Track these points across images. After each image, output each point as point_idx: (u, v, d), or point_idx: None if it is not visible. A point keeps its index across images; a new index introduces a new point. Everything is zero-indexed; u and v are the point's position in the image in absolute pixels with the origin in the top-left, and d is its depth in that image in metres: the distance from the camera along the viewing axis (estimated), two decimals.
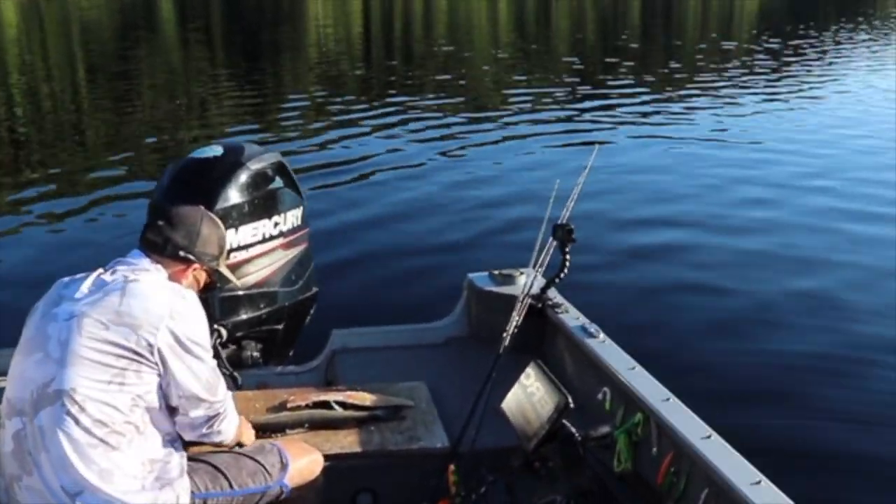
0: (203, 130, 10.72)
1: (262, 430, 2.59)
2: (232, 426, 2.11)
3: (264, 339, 3.34)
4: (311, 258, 3.52)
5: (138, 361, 1.87)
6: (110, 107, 12.88)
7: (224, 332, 3.13)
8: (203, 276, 2.18)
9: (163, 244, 2.06)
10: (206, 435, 2.04)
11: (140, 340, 1.87)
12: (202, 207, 2.18)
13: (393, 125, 10.75)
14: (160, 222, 2.07)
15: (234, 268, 3.01)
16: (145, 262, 2.02)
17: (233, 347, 3.24)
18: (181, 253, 2.07)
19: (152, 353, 1.88)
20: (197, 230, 2.11)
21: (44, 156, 9.71)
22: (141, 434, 1.91)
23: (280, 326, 3.37)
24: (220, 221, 2.22)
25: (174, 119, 11.71)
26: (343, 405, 2.74)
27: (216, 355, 3.03)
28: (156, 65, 16.87)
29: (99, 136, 10.98)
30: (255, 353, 3.29)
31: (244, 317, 3.22)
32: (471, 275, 3.52)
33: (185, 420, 1.99)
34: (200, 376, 1.96)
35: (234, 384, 3.09)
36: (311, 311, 3.57)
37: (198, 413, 1.98)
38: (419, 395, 2.86)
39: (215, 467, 2.09)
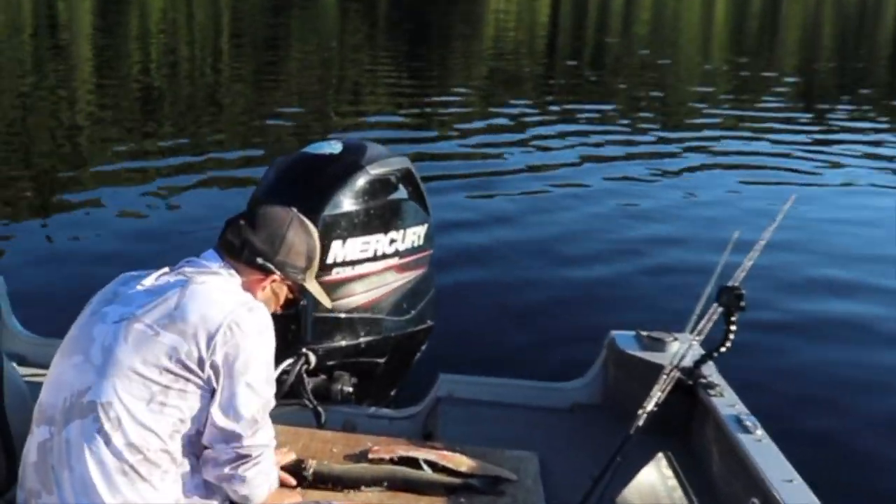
0: (344, 119, 10.99)
1: (332, 482, 2.59)
2: (263, 479, 2.04)
3: (361, 372, 3.37)
4: (432, 285, 3.56)
5: (185, 378, 1.86)
6: (251, 78, 13.45)
7: (313, 358, 3.18)
8: (284, 291, 2.17)
9: (240, 247, 2.05)
10: (229, 478, 1.97)
11: (191, 351, 1.86)
12: (294, 210, 2.16)
13: (563, 136, 10.63)
14: (242, 221, 2.08)
15: (334, 285, 3.11)
16: (217, 266, 2.02)
17: (322, 378, 3.28)
18: (259, 260, 2.07)
19: (203, 369, 1.87)
20: (282, 235, 2.09)
21: (172, 123, 10.33)
22: (178, 467, 1.91)
23: (381, 360, 3.42)
24: (313, 228, 2.19)
25: (317, 100, 12.09)
26: (434, 466, 2.71)
27: (298, 382, 3.16)
28: (307, 37, 17.34)
29: (234, 110, 11.45)
30: (348, 388, 3.31)
31: (341, 343, 3.26)
32: (614, 332, 3.50)
33: (210, 454, 1.95)
34: (246, 408, 1.91)
35: (315, 420, 3.14)
36: (422, 348, 3.62)
37: (226, 449, 1.95)
38: (526, 469, 2.79)
39: None
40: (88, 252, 5.85)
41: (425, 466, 2.72)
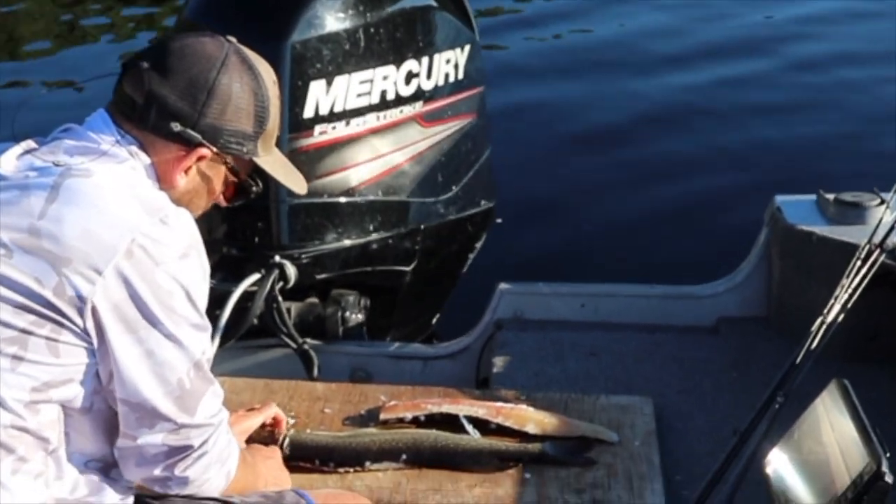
0: None
1: (320, 458, 2.55)
2: (215, 474, 2.03)
3: (375, 289, 3.40)
4: (484, 147, 3.59)
5: (55, 322, 1.80)
6: None
7: (292, 272, 3.15)
8: (221, 174, 2.00)
9: (144, 106, 1.93)
10: (162, 482, 1.96)
11: (63, 287, 1.79)
12: (231, 40, 2.01)
13: None
14: (146, 64, 1.92)
15: (317, 154, 3.11)
16: (110, 139, 1.93)
17: (311, 301, 3.29)
18: (174, 126, 1.93)
19: (82, 315, 1.80)
20: (210, 82, 1.94)
21: None
22: (51, 456, 1.87)
23: (407, 268, 3.44)
24: (265, 68, 2.06)
25: None
26: (484, 426, 2.67)
27: (271, 310, 3.21)
28: None
29: None
30: (355, 315, 3.32)
31: (337, 245, 3.26)
32: (780, 198, 3.47)
33: (129, 446, 1.91)
34: (168, 373, 1.87)
35: (304, 367, 3.15)
36: (474, 247, 3.69)
37: (152, 439, 1.90)
38: (634, 424, 2.77)
39: None
40: None
41: (470, 428, 2.67)
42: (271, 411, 2.55)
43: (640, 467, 2.60)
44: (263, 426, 2.52)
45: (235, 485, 2.08)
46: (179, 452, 1.93)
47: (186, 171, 1.98)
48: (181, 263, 1.85)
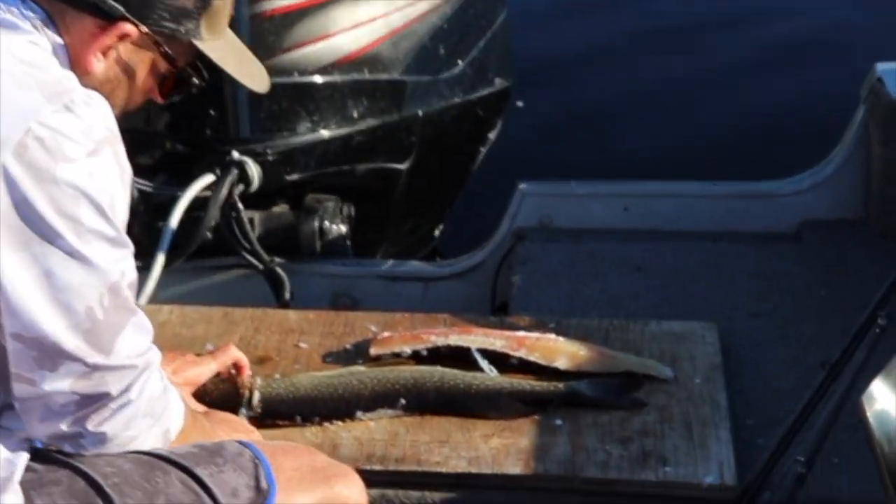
0: None
1: (295, 409, 2.56)
2: (144, 432, 2.02)
3: (362, 193, 3.48)
4: (501, 6, 3.68)
5: None
6: None
7: (255, 171, 3.22)
8: (150, 60, 2.03)
9: None
10: (73, 438, 1.96)
11: None
12: None
13: None
14: None
15: (282, 24, 3.16)
16: (6, 7, 1.93)
17: (280, 210, 3.39)
18: None
19: None
20: None
21: None
22: None
23: (402, 166, 3.49)
24: None
25: None
26: (503, 360, 2.68)
27: (229, 220, 3.22)
28: None
29: None
30: (338, 227, 3.38)
31: (312, 138, 3.32)
32: (883, 66, 3.49)
33: (29, 394, 1.90)
34: (74, 300, 1.85)
35: (275, 293, 3.20)
36: (487, 138, 3.72)
37: (57, 385, 1.89)
38: (693, 355, 2.80)
39: (92, 482, 1.98)
40: None
41: (485, 364, 2.66)
42: (228, 356, 2.54)
43: (702, 410, 2.59)
44: (221, 377, 2.52)
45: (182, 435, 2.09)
46: (93, 402, 1.91)
47: (105, 54, 1.96)
48: (90, 162, 1.82)
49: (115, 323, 1.90)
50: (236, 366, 2.56)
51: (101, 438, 1.96)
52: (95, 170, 1.83)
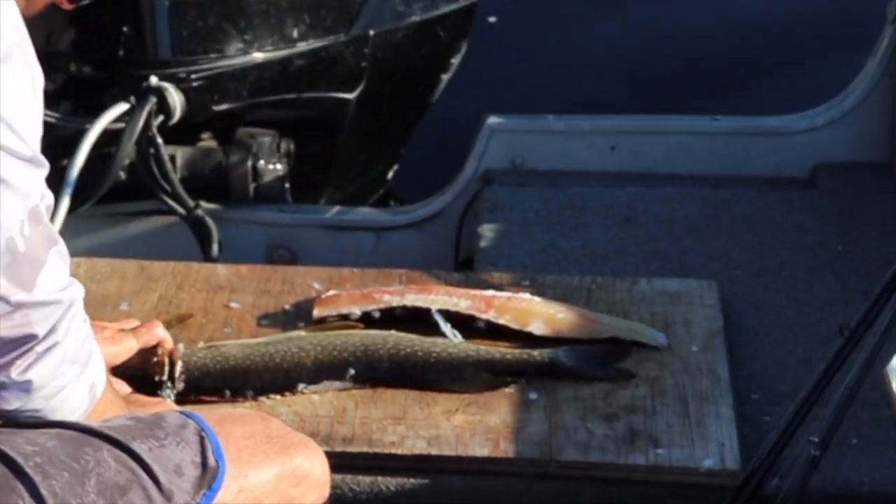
0: None
1: (224, 382, 2.57)
2: (73, 382, 2.03)
3: (303, 126, 3.48)
4: None
5: None
6: None
7: (177, 100, 3.23)
8: None
9: None
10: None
11: None
12: None
13: None
14: None
15: None
16: None
17: (206, 146, 3.41)
18: None
19: None
20: None
21: None
22: None
23: (350, 95, 3.50)
24: None
25: None
26: (466, 325, 2.70)
27: (147, 157, 3.22)
28: None
29: None
30: (275, 166, 3.43)
31: (242, 60, 3.32)
32: None
33: None
34: None
35: (201, 244, 3.23)
36: (449, 63, 3.74)
37: None
38: (689, 319, 2.82)
39: (9, 462, 1.96)
40: None
41: (447, 328, 2.69)
42: (152, 335, 2.56)
43: (700, 383, 2.61)
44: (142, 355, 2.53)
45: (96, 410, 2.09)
46: (17, 346, 1.91)
47: None
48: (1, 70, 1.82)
49: (37, 253, 1.90)
50: (160, 345, 2.56)
51: (26, 387, 1.97)
52: (4, 79, 1.83)
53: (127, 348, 2.50)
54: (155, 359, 2.52)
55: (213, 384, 2.54)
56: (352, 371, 2.56)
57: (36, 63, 1.93)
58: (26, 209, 1.85)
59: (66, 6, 2.08)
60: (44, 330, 1.93)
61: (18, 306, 1.88)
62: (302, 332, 2.65)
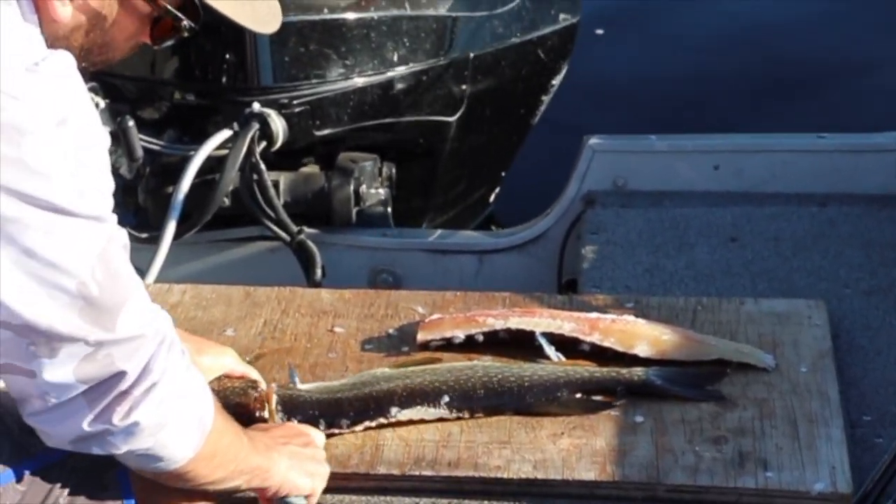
0: None
1: (318, 411, 2.54)
2: (178, 417, 2.04)
3: (404, 150, 3.47)
4: None
5: None
6: None
7: (280, 126, 3.22)
8: (129, 2, 2.04)
9: None
10: (100, 438, 1.98)
11: None
12: None
13: None
14: None
15: None
16: None
17: (309, 171, 3.37)
18: None
19: None
20: None
21: None
22: None
23: (451, 119, 3.48)
24: None
25: None
26: (570, 348, 2.69)
27: (249, 184, 3.23)
28: None
29: None
30: (377, 191, 3.39)
31: (343, 85, 3.30)
32: None
33: (30, 390, 1.94)
34: (61, 278, 1.87)
35: (305, 269, 3.21)
36: (549, 86, 3.73)
37: (59, 373, 1.92)
38: (798, 340, 2.78)
39: None
40: None
41: (551, 350, 2.68)
42: (223, 361, 2.56)
43: (810, 404, 2.58)
44: (228, 377, 2.55)
45: (227, 463, 2.12)
46: (108, 388, 1.92)
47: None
48: (59, 132, 1.84)
49: (114, 295, 1.91)
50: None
51: (132, 430, 1.97)
52: (65, 140, 1.85)
53: (220, 363, 2.53)
54: (255, 395, 2.55)
55: (307, 418, 2.55)
56: (446, 398, 2.57)
57: (99, 125, 1.97)
58: (95, 253, 1.88)
59: (151, 44, 2.11)
60: (133, 368, 1.94)
61: (99, 345, 1.90)
62: (386, 370, 2.65)
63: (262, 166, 3.17)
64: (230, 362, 2.59)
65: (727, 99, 4.92)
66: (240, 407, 2.51)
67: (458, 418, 2.57)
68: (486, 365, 2.63)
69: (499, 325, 2.69)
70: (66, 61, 1.92)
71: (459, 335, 2.68)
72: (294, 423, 2.51)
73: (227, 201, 3.14)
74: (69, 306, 1.88)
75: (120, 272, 1.94)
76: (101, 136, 1.97)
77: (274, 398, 2.53)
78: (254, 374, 2.60)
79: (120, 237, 1.98)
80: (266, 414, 2.59)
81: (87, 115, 1.94)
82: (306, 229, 3.23)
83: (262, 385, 2.59)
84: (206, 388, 2.14)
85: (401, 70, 3.30)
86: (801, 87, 5.01)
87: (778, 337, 2.75)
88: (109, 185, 1.98)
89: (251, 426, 2.42)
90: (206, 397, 2.12)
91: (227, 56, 3.16)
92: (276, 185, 3.23)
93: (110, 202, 1.97)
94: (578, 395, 2.59)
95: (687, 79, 5.06)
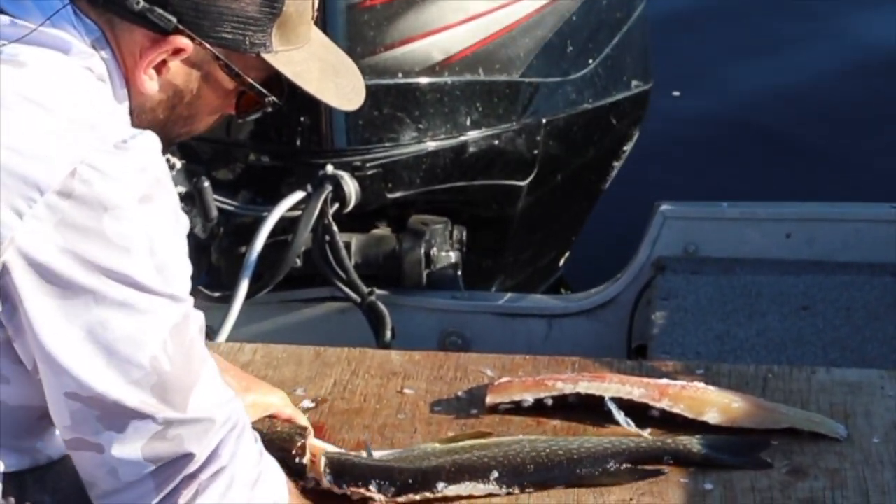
0: None
1: (381, 479, 2.47)
2: (248, 500, 2.03)
3: (474, 216, 3.49)
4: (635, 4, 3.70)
5: None
6: None
7: (353, 188, 3.26)
8: (213, 76, 2.06)
9: None
10: None
11: None
12: None
13: None
14: None
15: (386, 9, 3.19)
16: (62, 25, 1.98)
17: (380, 233, 3.41)
18: (138, 3, 1.96)
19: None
20: None
21: None
22: None
23: (522, 183, 3.50)
24: None
25: None
26: (639, 414, 2.63)
27: (321, 246, 3.26)
28: None
29: None
30: (447, 254, 3.40)
31: (416, 149, 3.30)
32: None
33: (97, 466, 1.95)
34: (133, 352, 1.89)
35: (375, 330, 3.23)
36: (621, 151, 3.77)
37: (127, 450, 1.93)
38: (870, 410, 2.71)
39: None
40: None
41: (621, 416, 2.63)
42: (296, 417, 2.56)
43: (882, 475, 2.48)
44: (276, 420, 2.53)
45: None
46: (175, 470, 1.94)
47: (158, 71, 2.00)
48: (142, 209, 1.87)
49: (187, 374, 1.95)
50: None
51: None
52: (147, 217, 1.88)
53: (269, 402, 2.52)
54: (300, 442, 2.50)
55: (353, 481, 2.50)
56: (495, 473, 2.50)
57: (178, 204, 1.99)
58: (168, 331, 1.90)
59: (236, 116, 2.14)
60: (202, 451, 1.96)
61: (168, 424, 1.91)
62: (436, 445, 2.58)
63: (335, 228, 3.19)
64: (277, 402, 2.56)
65: (802, 163, 4.89)
66: (283, 452, 2.45)
67: (509, 493, 2.51)
68: (531, 439, 2.60)
69: (568, 389, 2.64)
70: (152, 141, 1.94)
71: (528, 399, 2.63)
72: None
73: (299, 262, 3.16)
74: (140, 381, 1.90)
75: (193, 352, 1.97)
76: (182, 219, 1.99)
77: (322, 460, 2.49)
78: (302, 419, 2.56)
79: (196, 318, 2.00)
80: (305, 461, 2.49)
81: (170, 196, 1.95)
82: (377, 291, 3.25)
83: (311, 431, 2.52)
84: (281, 475, 2.13)
85: (473, 134, 3.32)
86: (878, 154, 5.00)
87: (850, 407, 2.68)
88: (188, 267, 1.98)
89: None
90: (278, 485, 2.12)
91: (302, 119, 3.19)
92: (347, 246, 3.26)
93: (188, 284, 1.97)
94: (626, 466, 2.56)
95: (762, 140, 5.04)
